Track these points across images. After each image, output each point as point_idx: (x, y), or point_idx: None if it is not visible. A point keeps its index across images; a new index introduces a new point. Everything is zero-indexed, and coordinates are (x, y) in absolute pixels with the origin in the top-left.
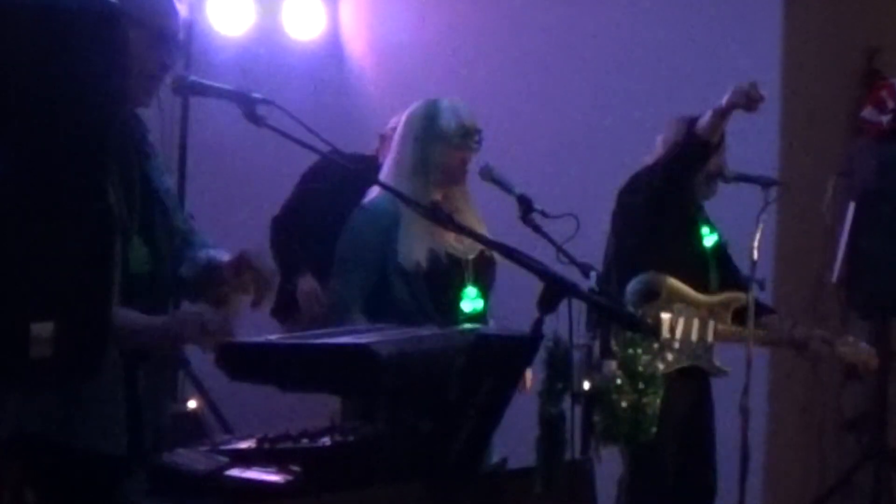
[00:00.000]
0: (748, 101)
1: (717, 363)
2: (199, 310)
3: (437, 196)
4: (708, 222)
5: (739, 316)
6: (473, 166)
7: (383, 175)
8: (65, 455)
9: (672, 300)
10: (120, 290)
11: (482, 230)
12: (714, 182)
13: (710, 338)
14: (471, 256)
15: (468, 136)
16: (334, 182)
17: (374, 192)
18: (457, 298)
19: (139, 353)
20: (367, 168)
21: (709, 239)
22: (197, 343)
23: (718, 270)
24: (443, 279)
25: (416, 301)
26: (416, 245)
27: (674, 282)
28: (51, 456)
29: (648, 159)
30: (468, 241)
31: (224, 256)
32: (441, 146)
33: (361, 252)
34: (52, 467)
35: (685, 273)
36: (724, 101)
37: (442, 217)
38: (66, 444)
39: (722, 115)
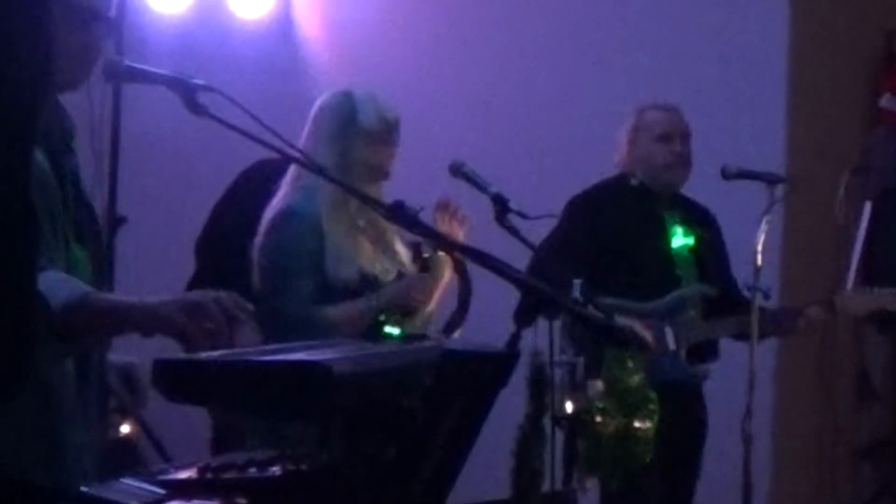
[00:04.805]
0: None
1: (691, 368)
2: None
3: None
4: (684, 223)
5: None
6: (442, 162)
7: (295, 177)
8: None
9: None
10: None
11: (404, 254)
12: (676, 172)
13: (671, 345)
14: (390, 278)
15: (391, 131)
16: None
17: (285, 191)
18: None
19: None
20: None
21: (679, 240)
22: (200, 330)
23: (697, 274)
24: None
25: None
26: (345, 259)
27: (608, 300)
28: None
29: (616, 157)
30: (390, 260)
31: None
32: (361, 143)
33: (304, 259)
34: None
35: (646, 274)
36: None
37: (408, 218)
38: (24, 477)
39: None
